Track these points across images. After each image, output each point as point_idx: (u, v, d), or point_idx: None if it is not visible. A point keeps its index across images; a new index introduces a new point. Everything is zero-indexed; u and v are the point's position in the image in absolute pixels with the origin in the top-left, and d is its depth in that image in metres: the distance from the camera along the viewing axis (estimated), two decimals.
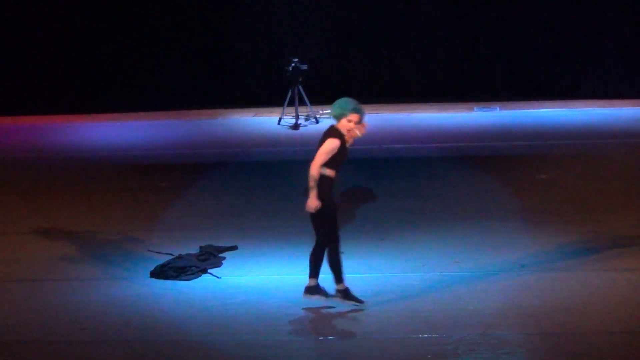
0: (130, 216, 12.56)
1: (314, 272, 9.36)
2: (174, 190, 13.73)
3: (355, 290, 9.51)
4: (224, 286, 10.06)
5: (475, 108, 19.07)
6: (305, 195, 9.08)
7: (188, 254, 10.82)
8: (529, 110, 18.74)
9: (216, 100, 19.70)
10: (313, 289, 9.37)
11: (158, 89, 19.73)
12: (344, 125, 9.14)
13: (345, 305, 9.30)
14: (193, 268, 10.41)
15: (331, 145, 9.04)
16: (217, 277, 10.29)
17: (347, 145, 9.19)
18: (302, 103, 18.12)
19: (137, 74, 19.78)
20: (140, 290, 9.99)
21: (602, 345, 8.49)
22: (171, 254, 10.84)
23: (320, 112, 18.43)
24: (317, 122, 18.02)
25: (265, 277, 10.23)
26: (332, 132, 9.13)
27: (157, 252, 10.97)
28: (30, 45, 19.72)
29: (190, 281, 10.20)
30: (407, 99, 19.58)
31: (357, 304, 9.31)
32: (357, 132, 9.24)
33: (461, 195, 13.15)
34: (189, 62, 19.88)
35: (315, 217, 9.17)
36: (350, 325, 9.04)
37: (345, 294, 9.32)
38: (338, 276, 9.31)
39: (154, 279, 10.26)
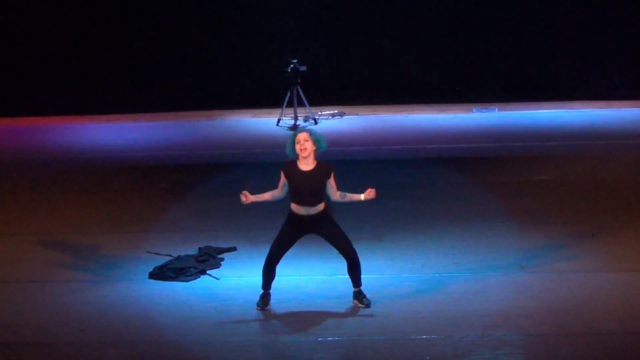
0: (129, 217, 12.55)
1: (355, 282, 9.56)
2: (172, 191, 13.73)
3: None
4: (222, 287, 10.07)
5: (474, 109, 19.07)
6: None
7: (187, 255, 10.83)
8: (527, 112, 18.73)
9: (215, 101, 19.69)
10: (357, 294, 9.57)
11: (157, 90, 19.72)
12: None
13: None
14: (192, 269, 10.41)
15: None
16: (216, 278, 10.29)
17: (302, 169, 9.24)
18: (300, 104, 18.11)
19: (135, 75, 19.77)
20: (139, 291, 9.99)
21: (602, 347, 8.50)
22: (170, 255, 10.85)
23: (319, 113, 18.44)
24: (316, 123, 18.02)
25: None
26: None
27: (155, 253, 10.97)
28: (28, 46, 19.71)
29: (189, 282, 10.20)
30: (405, 100, 19.58)
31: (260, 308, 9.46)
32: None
33: (460, 196, 13.15)
34: (187, 63, 19.87)
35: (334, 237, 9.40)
36: (349, 326, 9.04)
37: (265, 296, 9.50)
38: (265, 284, 9.50)
39: (152, 280, 10.26)
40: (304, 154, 9.19)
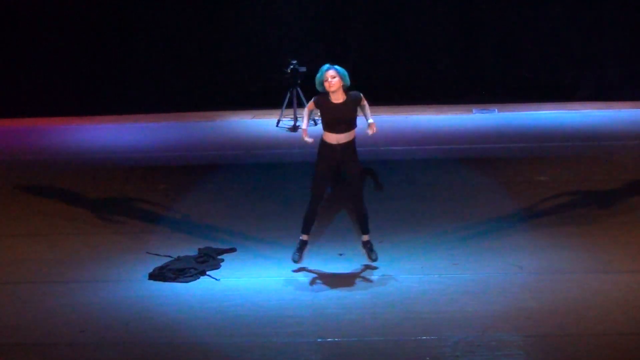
0: (128, 218, 12.55)
1: (363, 229, 10.47)
2: (172, 192, 13.73)
3: (353, 291, 9.68)
4: (222, 288, 10.07)
5: (473, 110, 19.08)
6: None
7: (187, 256, 10.83)
8: (527, 112, 18.74)
9: (214, 102, 19.70)
10: (365, 244, 10.48)
11: (156, 91, 19.73)
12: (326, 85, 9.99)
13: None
14: (192, 270, 10.42)
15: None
16: (216, 279, 10.29)
17: (333, 102, 9.96)
18: (300, 105, 18.10)
19: (135, 76, 19.78)
20: (139, 292, 10.00)
21: (601, 347, 8.50)
22: (170, 256, 10.85)
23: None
24: (316, 124, 17.99)
25: (263, 279, 10.24)
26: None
27: (155, 254, 10.97)
28: (28, 47, 19.72)
29: (188, 283, 10.21)
30: (405, 101, 19.58)
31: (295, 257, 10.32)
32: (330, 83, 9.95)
33: (460, 197, 13.15)
34: (187, 64, 19.87)
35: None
36: (348, 327, 9.04)
37: (302, 244, 10.33)
38: (304, 227, 10.32)
39: (152, 281, 10.27)
40: (333, 89, 9.91)
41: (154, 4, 19.85)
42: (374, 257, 10.40)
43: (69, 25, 19.72)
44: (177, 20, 19.82)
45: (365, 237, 10.42)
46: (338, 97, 9.95)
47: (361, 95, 10.08)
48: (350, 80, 9.98)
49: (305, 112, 10.27)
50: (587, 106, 19.02)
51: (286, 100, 18.12)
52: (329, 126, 10.00)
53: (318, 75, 9.99)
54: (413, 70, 19.88)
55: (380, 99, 19.55)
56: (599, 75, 19.56)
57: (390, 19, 19.78)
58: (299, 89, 17.96)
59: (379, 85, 19.88)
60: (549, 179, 13.92)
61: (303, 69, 17.99)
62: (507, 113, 18.81)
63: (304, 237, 10.33)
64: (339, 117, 9.93)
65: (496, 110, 19.05)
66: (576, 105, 19.14)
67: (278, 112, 18.26)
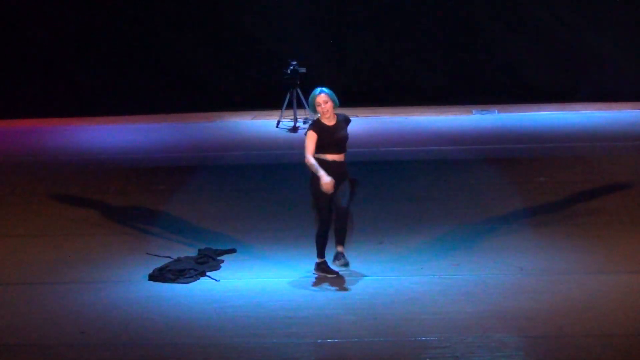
0: (128, 219, 12.55)
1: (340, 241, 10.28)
2: (172, 193, 13.73)
3: (353, 292, 9.70)
4: (222, 289, 10.07)
5: (473, 111, 19.07)
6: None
7: (186, 257, 10.83)
8: (527, 113, 18.74)
9: (215, 103, 19.69)
10: (337, 254, 10.26)
11: (156, 91, 19.72)
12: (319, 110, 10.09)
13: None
14: (191, 271, 10.42)
15: (307, 136, 10.06)
16: (216, 280, 10.29)
17: (328, 125, 10.03)
18: (300, 106, 18.10)
19: (135, 76, 19.77)
20: (138, 293, 10.00)
21: (601, 349, 8.50)
22: (170, 257, 10.85)
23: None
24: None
25: (263, 280, 10.23)
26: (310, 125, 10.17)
27: (155, 255, 10.97)
28: (28, 47, 19.71)
29: (188, 284, 10.20)
30: (405, 102, 19.57)
31: (330, 274, 10.15)
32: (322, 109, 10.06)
33: (460, 198, 13.15)
34: (187, 65, 19.87)
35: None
36: (348, 328, 9.04)
37: (318, 266, 10.18)
38: (319, 251, 10.15)
39: (152, 282, 10.26)
40: (327, 114, 10.04)
41: (154, 4, 19.85)
42: (342, 262, 10.15)
43: (68, 25, 19.72)
44: (177, 21, 19.82)
45: (340, 248, 10.20)
46: (330, 120, 10.06)
47: (349, 117, 10.28)
48: (337, 102, 10.09)
49: (311, 161, 9.90)
50: (587, 107, 19.02)
51: (286, 101, 18.11)
52: (324, 148, 10.01)
53: (310, 100, 10.11)
54: (413, 71, 19.87)
55: (380, 100, 19.60)
56: (599, 75, 19.56)
57: (389, 19, 19.78)
58: (299, 89, 17.95)
59: (378, 86, 19.90)
60: (549, 179, 13.92)
61: (303, 70, 17.98)
62: (507, 114, 18.81)
63: (320, 260, 10.17)
64: (335, 139, 10.03)
65: (496, 111, 19.05)
66: (576, 105, 19.13)
67: (278, 112, 18.25)
